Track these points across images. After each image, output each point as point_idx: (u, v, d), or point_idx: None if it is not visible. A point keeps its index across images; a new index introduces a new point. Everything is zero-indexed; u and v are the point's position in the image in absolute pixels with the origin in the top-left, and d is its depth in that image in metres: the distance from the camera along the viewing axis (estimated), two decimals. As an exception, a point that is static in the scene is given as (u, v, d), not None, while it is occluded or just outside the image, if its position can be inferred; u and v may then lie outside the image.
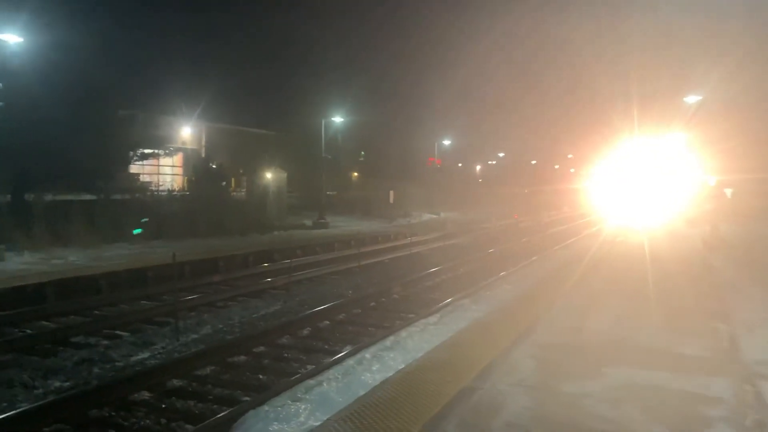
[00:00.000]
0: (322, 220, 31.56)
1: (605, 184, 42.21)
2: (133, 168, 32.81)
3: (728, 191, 49.10)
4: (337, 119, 37.24)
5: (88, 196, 24.12)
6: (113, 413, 7.17)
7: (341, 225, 31.93)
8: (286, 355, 9.44)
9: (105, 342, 10.13)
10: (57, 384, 8.13)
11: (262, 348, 9.57)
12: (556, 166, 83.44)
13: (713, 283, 14.18)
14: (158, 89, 36.84)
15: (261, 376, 8.40)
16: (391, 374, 7.45)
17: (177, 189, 34.16)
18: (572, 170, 76.51)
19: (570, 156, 76.51)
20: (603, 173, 42.29)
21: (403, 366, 7.82)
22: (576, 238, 27.45)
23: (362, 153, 54.56)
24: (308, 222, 31.53)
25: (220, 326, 11.34)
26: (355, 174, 55.55)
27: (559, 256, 19.96)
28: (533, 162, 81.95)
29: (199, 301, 13.15)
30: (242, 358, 9.10)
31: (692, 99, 26.70)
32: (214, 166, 32.78)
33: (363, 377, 7.70)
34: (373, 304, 13.08)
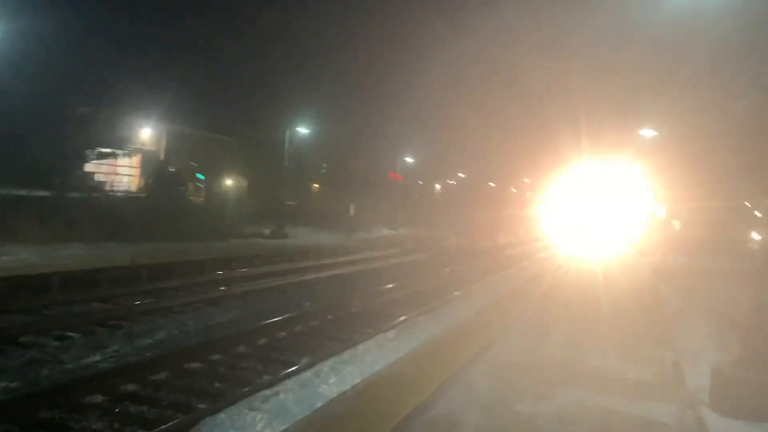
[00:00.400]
0: (281, 231, 31.38)
1: (560, 210, 43.19)
2: (90, 167, 32.08)
3: (676, 223, 50.83)
4: (302, 130, 37.23)
5: (41, 193, 23.48)
6: (64, 416, 7.03)
7: (300, 236, 31.80)
8: (242, 364, 9.39)
9: (55, 343, 9.89)
10: (3, 385, 7.92)
11: (218, 356, 9.50)
12: (514, 190, 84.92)
13: (661, 312, 14.68)
14: (120, 88, 36.18)
15: (217, 384, 8.35)
16: (348, 387, 7.52)
17: (134, 190, 33.53)
18: (528, 194, 78.03)
19: (526, 181, 78.04)
20: (557, 200, 43.31)
21: (360, 380, 7.90)
22: (530, 261, 27.95)
23: (324, 165, 54.56)
24: (266, 231, 31.31)
25: (176, 332, 11.21)
26: (316, 186, 55.45)
27: (514, 277, 20.34)
28: (492, 184, 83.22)
29: (155, 305, 12.96)
30: (198, 365, 9.02)
31: (648, 132, 27.68)
32: (173, 170, 32.32)
33: (320, 389, 7.75)
34: (330, 317, 13.10)
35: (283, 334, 11.29)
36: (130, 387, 7.92)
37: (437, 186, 77.85)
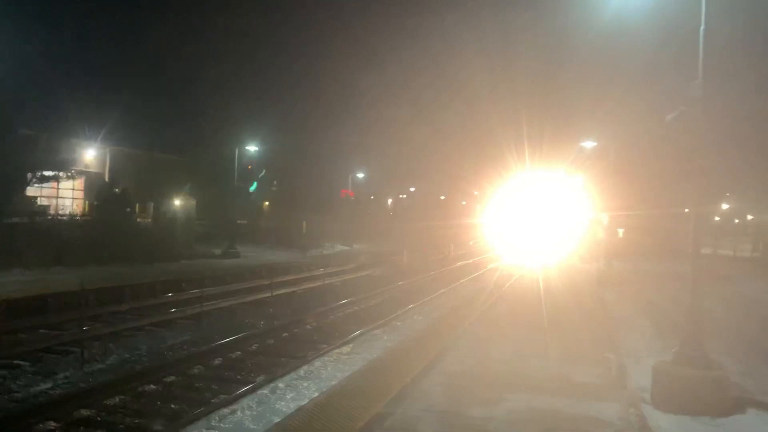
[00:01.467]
0: (233, 250, 31.09)
1: (507, 221, 44.08)
2: (31, 191, 31.14)
3: (620, 230, 52.52)
4: (251, 148, 37.06)
5: (-21, 219, 22.73)
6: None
7: (252, 255, 31.58)
8: (198, 385, 9.35)
9: (2, 372, 9.63)
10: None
11: (172, 378, 9.43)
12: (464, 202, 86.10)
13: (605, 316, 15.24)
14: (62, 110, 35.28)
15: (173, 405, 8.30)
16: (305, 402, 7.62)
17: (79, 214, 32.68)
18: (477, 206, 79.30)
19: (476, 193, 79.36)
20: (504, 210, 44.21)
21: (317, 394, 8.01)
22: (480, 272, 28.47)
23: (275, 183, 54.31)
24: (218, 251, 30.98)
25: (127, 356, 11.05)
26: (267, 203, 55.11)
27: (464, 288, 20.73)
28: (442, 197, 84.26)
29: (104, 330, 12.72)
30: (152, 387, 8.94)
31: (589, 144, 28.69)
32: (118, 191, 31.68)
33: (277, 405, 7.82)
34: (285, 334, 13.12)
35: (238, 353, 11.26)
36: (84, 412, 7.80)
37: (389, 200, 78.35)
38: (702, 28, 8.07)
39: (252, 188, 44.85)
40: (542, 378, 8.68)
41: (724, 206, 60.38)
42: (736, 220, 65.06)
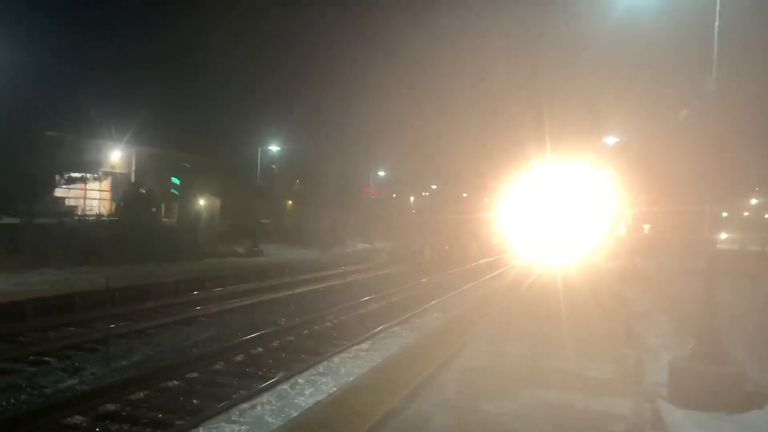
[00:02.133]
0: (256, 248, 31.47)
1: (529, 218, 43.84)
2: (59, 192, 31.87)
3: (646, 227, 51.96)
4: (273, 147, 37.41)
5: (9, 220, 23.33)
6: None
7: (275, 253, 31.92)
8: (219, 380, 9.58)
9: (32, 369, 9.96)
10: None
11: (195, 374, 9.67)
12: (486, 200, 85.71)
13: (627, 313, 15.20)
14: (88, 111, 35.99)
15: (195, 401, 8.53)
16: (323, 397, 7.79)
17: (105, 214, 33.34)
18: (499, 203, 78.81)
19: (498, 189, 78.86)
20: (526, 207, 44.00)
21: (335, 389, 8.18)
22: (500, 270, 28.42)
23: (297, 181, 54.72)
24: (241, 250, 31.38)
25: (152, 353, 11.33)
26: (290, 202, 55.56)
27: (484, 287, 20.76)
28: (465, 195, 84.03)
29: (130, 328, 13.03)
30: (175, 383, 9.18)
31: (611, 140, 28.49)
32: (143, 191, 32.24)
33: (296, 400, 8.01)
34: (306, 331, 13.32)
35: (260, 350, 11.48)
36: (110, 407, 8.06)
37: (411, 198, 78.34)
38: (717, 23, 8.05)
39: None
40: (558, 373, 8.74)
41: (753, 201, 59.38)
42: (767, 215, 63.85)
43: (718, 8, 8.00)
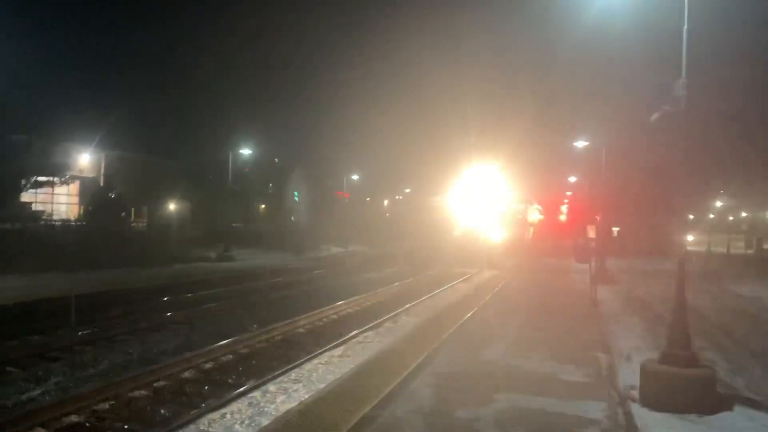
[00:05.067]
0: (228, 253, 31.11)
1: (501, 221, 44.04)
2: (26, 196, 31.14)
3: (615, 229, 52.61)
4: (246, 151, 37.05)
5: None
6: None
7: (247, 258, 31.59)
8: (188, 389, 9.36)
9: (-8, 379, 9.63)
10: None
11: (162, 383, 9.43)
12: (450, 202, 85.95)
13: (598, 314, 15.30)
14: (56, 115, 35.33)
15: (162, 411, 8.31)
16: (294, 405, 7.64)
17: (73, 219, 32.68)
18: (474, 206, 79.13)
19: (466, 192, 79.25)
20: (500, 211, 44.16)
21: (306, 397, 8.03)
22: (472, 272, 28.38)
23: (270, 185, 54.31)
24: (213, 254, 30.98)
25: (119, 361, 11.06)
26: (263, 206, 55.13)
27: (458, 289, 20.72)
28: (436, 197, 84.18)
29: (96, 335, 12.72)
30: (142, 392, 8.94)
31: (581, 143, 28.78)
32: (113, 196, 31.68)
33: (267, 409, 7.84)
34: (279, 337, 13.12)
35: (230, 357, 11.26)
36: (73, 419, 7.81)
37: (385, 202, 78.28)
38: (685, 27, 8.12)
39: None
40: (532, 378, 8.72)
41: (718, 204, 60.62)
42: (731, 217, 65.30)
43: (686, 12, 8.07)
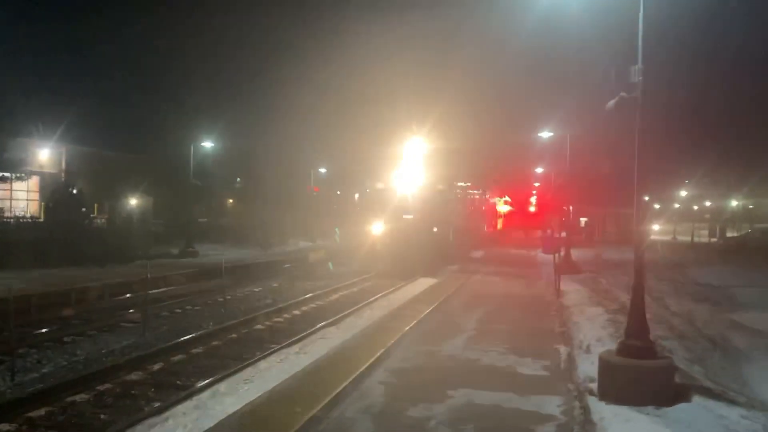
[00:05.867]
0: (191, 249, 30.41)
1: (474, 212, 44.00)
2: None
3: (583, 219, 53.11)
4: (208, 144, 36.29)
5: None
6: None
7: (212, 253, 30.91)
8: (133, 392, 8.93)
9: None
10: None
11: (107, 385, 9.00)
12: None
13: (561, 305, 15.22)
14: (13, 108, 34.11)
15: (102, 416, 7.90)
16: (241, 406, 7.30)
17: (30, 215, 31.68)
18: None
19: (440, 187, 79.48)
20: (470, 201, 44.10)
21: (256, 397, 7.69)
22: (438, 264, 28.17)
23: (238, 179, 53.42)
24: (175, 251, 30.27)
25: (64, 363, 10.57)
26: (231, 201, 54.23)
27: (422, 282, 20.49)
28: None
29: (44, 336, 12.19)
30: (83, 396, 8.50)
31: (546, 134, 28.75)
32: (74, 191, 30.73)
33: (213, 411, 7.47)
34: (234, 335, 12.72)
35: (181, 357, 10.85)
36: (4, 427, 7.36)
37: (356, 195, 77.82)
38: (641, 13, 7.94)
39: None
40: (489, 372, 8.51)
41: (683, 193, 61.56)
42: (695, 207, 66.39)
43: (642, -2, 7.89)
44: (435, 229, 26.57)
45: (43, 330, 12.99)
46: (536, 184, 55.64)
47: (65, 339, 12.18)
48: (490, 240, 41.74)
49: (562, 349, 9.98)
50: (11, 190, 33.73)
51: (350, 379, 7.95)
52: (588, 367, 8.72)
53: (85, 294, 17.00)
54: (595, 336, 11.28)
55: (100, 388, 8.88)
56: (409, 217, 24.25)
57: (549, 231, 37.62)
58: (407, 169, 25.30)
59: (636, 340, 7.62)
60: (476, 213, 39.75)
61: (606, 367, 7.62)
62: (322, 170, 58.14)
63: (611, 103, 8.23)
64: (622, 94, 8.05)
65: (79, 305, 15.83)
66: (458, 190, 38.28)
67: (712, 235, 50.26)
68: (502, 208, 53.51)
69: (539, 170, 46.79)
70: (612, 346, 9.86)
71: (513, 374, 8.40)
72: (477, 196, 42.02)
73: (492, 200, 43.63)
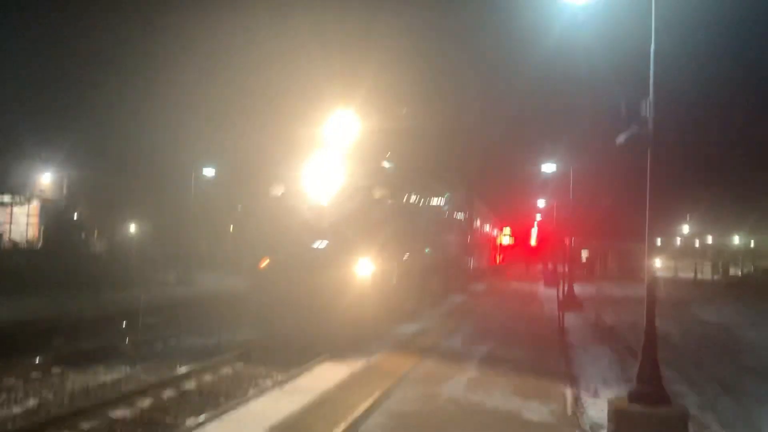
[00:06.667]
0: (187, 277, 29.98)
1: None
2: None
3: (584, 252, 52.70)
4: (209, 170, 36.13)
5: None
6: None
7: (209, 282, 30.37)
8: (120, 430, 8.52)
9: None
10: None
11: (93, 422, 8.57)
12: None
13: (565, 343, 14.81)
14: (17, 133, 34.03)
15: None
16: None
17: (29, 241, 31.45)
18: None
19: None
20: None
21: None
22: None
23: (239, 206, 52.92)
24: (171, 278, 29.80)
25: (50, 397, 10.14)
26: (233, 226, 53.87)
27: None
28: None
29: (29, 369, 11.67)
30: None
31: (549, 166, 28.55)
32: (73, 217, 30.59)
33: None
34: (227, 371, 12.19)
35: (172, 392, 10.41)
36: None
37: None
38: (653, 47, 7.77)
39: None
40: (493, 417, 8.12)
41: (685, 229, 61.30)
42: (697, 242, 66.08)
43: (653, 31, 7.72)
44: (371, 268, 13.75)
45: (27, 360, 12.44)
46: (537, 216, 55.39)
47: (53, 372, 11.70)
48: (487, 273, 40.65)
49: (568, 392, 9.58)
50: (11, 214, 33.58)
51: None
52: (596, 413, 8.36)
53: (77, 324, 16.27)
54: (601, 377, 10.91)
55: (82, 426, 8.45)
56: (322, 245, 13.85)
57: (550, 265, 37.27)
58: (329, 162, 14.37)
59: (648, 386, 7.27)
60: (475, 243, 34.72)
61: (617, 414, 7.25)
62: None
63: (621, 137, 8.00)
64: (633, 128, 7.83)
65: (66, 337, 14.97)
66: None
67: (714, 272, 49.82)
68: (504, 239, 53.14)
69: (541, 203, 46.54)
70: (619, 388, 9.51)
71: (518, 420, 8.01)
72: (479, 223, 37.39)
73: (489, 229, 42.59)
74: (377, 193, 14.61)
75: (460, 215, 27.84)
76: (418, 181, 18.99)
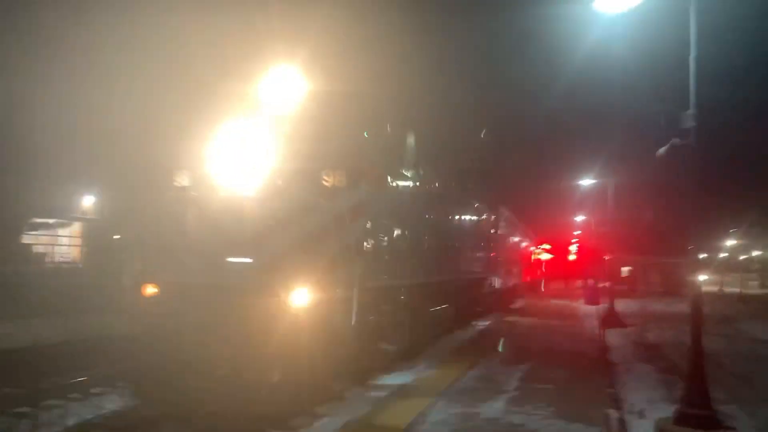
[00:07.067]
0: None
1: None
2: (28, 238, 30.82)
3: (625, 269, 51.61)
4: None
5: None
6: None
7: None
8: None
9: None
10: None
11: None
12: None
13: (608, 361, 14.41)
14: (56, 155, 35.04)
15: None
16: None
17: (71, 261, 32.23)
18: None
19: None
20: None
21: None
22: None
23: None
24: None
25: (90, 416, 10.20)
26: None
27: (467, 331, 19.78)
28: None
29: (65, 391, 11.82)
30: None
31: (587, 181, 28.11)
32: (115, 237, 31.21)
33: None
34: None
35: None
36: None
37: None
38: (693, 55, 7.56)
39: None
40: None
41: (730, 242, 59.49)
42: (742, 256, 64.05)
43: (693, 39, 7.52)
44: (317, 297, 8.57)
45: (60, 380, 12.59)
46: (577, 232, 54.49)
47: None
48: (523, 290, 39.24)
49: (613, 414, 9.25)
50: (57, 235, 34.49)
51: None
52: (643, 437, 8.05)
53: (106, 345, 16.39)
54: (646, 398, 10.53)
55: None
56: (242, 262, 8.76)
57: (590, 281, 36.44)
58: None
59: (696, 408, 6.99)
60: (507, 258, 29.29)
61: (663, 437, 6.98)
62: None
63: (662, 150, 7.79)
64: (674, 140, 7.61)
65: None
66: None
67: (762, 286, 48.20)
68: (543, 256, 52.31)
69: (580, 218, 45.82)
70: (665, 409, 9.14)
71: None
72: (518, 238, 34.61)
73: (527, 244, 41.66)
74: (337, 180, 9.25)
75: (488, 223, 23.35)
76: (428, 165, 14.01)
